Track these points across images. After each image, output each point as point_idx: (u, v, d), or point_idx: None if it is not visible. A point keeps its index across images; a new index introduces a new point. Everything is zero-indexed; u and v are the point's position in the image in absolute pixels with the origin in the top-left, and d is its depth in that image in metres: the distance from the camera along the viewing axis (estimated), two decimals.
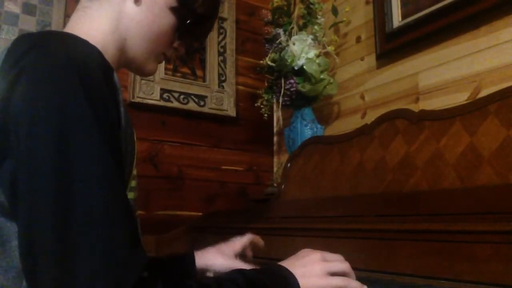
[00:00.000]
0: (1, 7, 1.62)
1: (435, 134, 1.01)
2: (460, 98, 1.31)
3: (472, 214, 0.79)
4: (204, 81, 2.01)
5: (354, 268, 0.69)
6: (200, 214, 1.83)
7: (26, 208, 0.49)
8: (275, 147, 2.20)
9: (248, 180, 2.09)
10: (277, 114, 1.77)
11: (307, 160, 1.40)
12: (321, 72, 1.63)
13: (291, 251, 0.71)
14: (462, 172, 0.91)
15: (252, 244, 0.95)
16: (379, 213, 0.98)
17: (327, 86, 1.65)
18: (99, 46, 0.59)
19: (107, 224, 0.48)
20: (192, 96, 1.95)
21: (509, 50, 1.22)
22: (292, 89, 1.63)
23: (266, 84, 1.82)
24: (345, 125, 1.75)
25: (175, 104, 1.90)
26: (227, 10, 2.12)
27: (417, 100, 1.47)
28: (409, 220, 0.87)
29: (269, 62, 1.68)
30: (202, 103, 1.97)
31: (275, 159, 2.19)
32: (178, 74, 1.95)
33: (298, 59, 1.60)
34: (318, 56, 1.63)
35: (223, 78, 2.06)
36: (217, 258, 0.87)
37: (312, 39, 1.65)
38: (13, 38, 0.78)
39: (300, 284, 0.62)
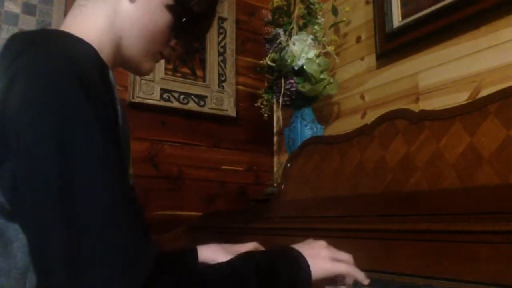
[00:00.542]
0: (1, 7, 1.62)
1: (435, 134, 1.01)
2: (460, 98, 1.31)
3: (472, 214, 0.79)
4: (204, 81, 2.01)
5: None
6: (200, 214, 1.82)
7: (29, 210, 0.49)
8: (275, 147, 2.20)
9: (248, 180, 2.09)
10: (277, 114, 1.76)
11: (307, 160, 1.40)
12: (321, 72, 1.62)
13: None
14: (462, 172, 0.91)
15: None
16: (379, 213, 0.98)
17: (327, 86, 1.65)
18: (94, 44, 0.59)
19: (115, 222, 0.48)
20: (192, 96, 1.95)
21: (509, 50, 1.21)
22: (292, 89, 1.63)
23: (266, 84, 1.82)
24: (345, 125, 1.75)
25: (175, 104, 1.90)
26: (227, 10, 2.12)
27: (417, 100, 1.47)
28: (409, 220, 0.88)
29: (269, 62, 1.68)
30: (202, 103, 1.97)
31: (275, 159, 2.19)
32: (178, 74, 1.95)
33: (298, 59, 1.60)
34: (318, 56, 1.63)
35: (223, 78, 2.06)
36: (220, 253, 0.86)
37: (312, 39, 1.65)
38: None
39: (309, 264, 0.63)
